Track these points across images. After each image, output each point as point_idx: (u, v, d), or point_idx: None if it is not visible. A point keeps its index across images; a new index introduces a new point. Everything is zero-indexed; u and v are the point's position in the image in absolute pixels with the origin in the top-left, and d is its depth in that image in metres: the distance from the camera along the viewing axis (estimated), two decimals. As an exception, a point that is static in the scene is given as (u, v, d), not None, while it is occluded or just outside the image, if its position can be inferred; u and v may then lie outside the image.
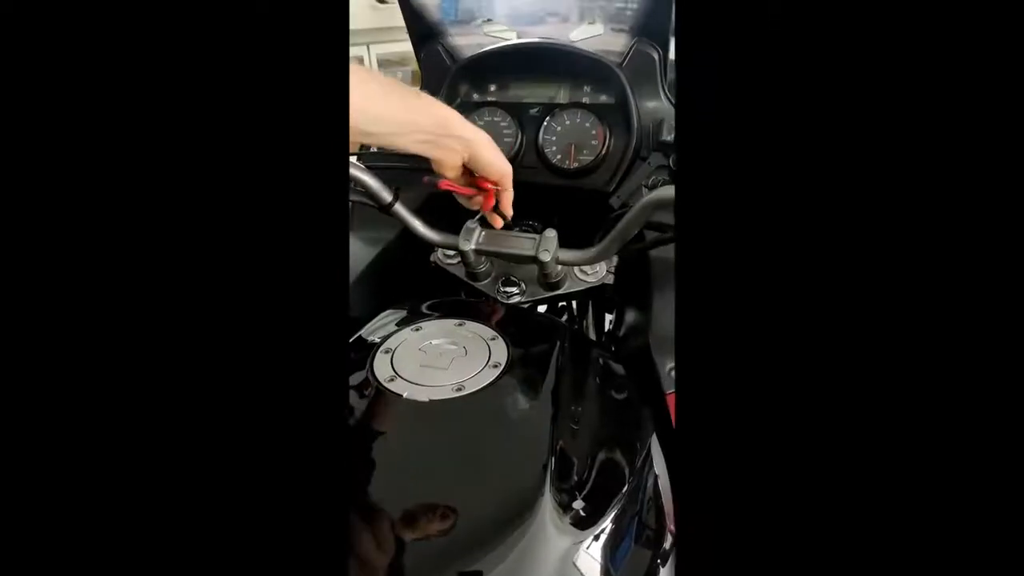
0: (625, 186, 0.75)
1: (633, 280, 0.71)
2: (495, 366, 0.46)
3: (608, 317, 0.91)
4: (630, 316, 0.75)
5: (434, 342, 0.49)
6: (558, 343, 0.53)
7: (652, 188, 0.66)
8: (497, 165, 0.55)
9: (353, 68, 0.43)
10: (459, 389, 0.43)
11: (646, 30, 0.75)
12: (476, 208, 0.62)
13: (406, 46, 0.89)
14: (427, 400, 0.42)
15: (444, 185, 0.57)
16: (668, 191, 0.53)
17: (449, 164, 0.54)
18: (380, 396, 0.43)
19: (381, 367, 0.46)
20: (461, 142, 0.52)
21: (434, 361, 0.46)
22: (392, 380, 0.44)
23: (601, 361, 0.58)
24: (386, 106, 0.46)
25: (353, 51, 2.77)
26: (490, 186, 0.57)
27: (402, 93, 0.48)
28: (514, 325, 0.55)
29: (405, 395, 0.43)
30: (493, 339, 0.50)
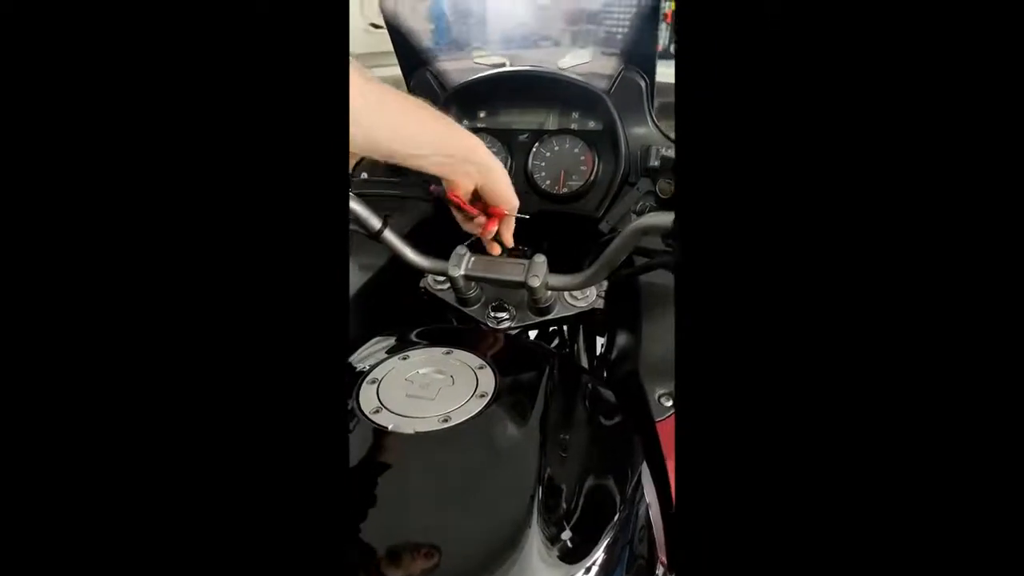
0: (614, 211, 0.75)
1: (624, 304, 0.71)
2: (482, 396, 0.46)
3: (600, 340, 0.91)
4: (621, 340, 0.74)
5: (421, 371, 0.49)
6: (546, 370, 0.53)
7: (640, 214, 0.67)
8: (507, 197, 0.58)
9: (388, 89, 0.47)
10: (445, 420, 0.43)
11: (633, 58, 0.77)
12: (473, 231, 0.63)
13: (400, 70, 0.90)
14: (413, 432, 0.42)
15: (452, 195, 0.58)
16: (655, 218, 0.53)
17: (462, 188, 0.56)
18: (365, 429, 0.42)
19: (367, 398, 0.45)
20: (479, 169, 0.55)
21: (421, 392, 0.46)
22: (378, 412, 0.44)
23: (591, 388, 0.58)
24: (419, 128, 0.49)
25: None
26: (497, 212, 0.59)
27: (433, 116, 0.51)
28: (502, 353, 0.55)
29: (391, 427, 0.42)
30: (481, 368, 0.50)
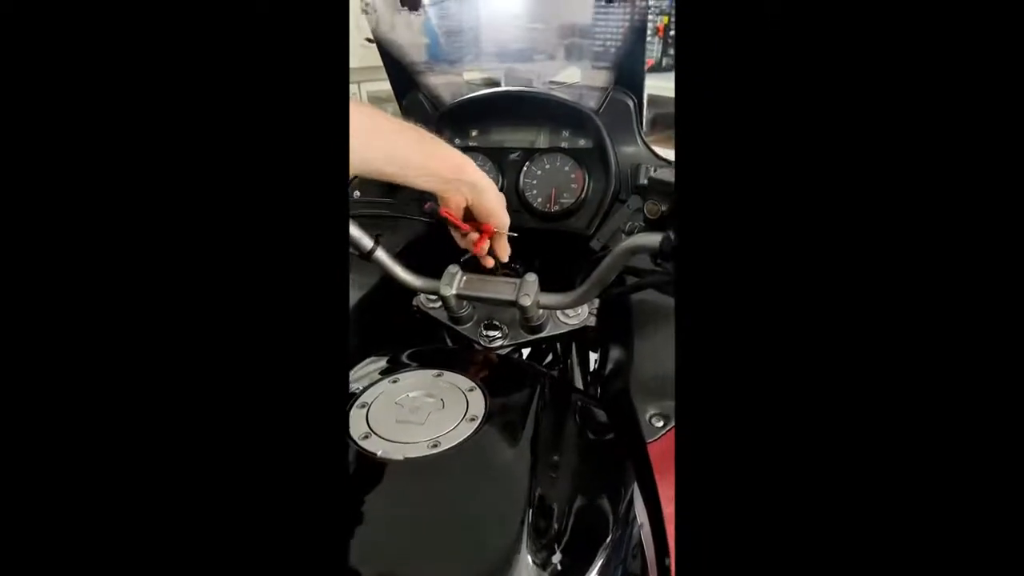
0: (605, 228, 0.75)
1: (615, 320, 0.71)
2: (472, 419, 0.46)
3: (593, 356, 0.91)
4: (613, 358, 0.75)
5: (411, 395, 0.49)
6: (537, 390, 0.53)
7: (629, 234, 0.67)
8: (497, 214, 0.60)
9: (377, 111, 0.50)
10: (435, 445, 0.43)
11: (621, 79, 0.78)
12: (468, 247, 0.64)
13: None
14: (402, 458, 0.42)
15: (444, 212, 0.60)
16: (643, 238, 0.54)
17: (454, 205, 0.58)
18: (354, 455, 0.43)
19: (356, 423, 0.45)
20: (469, 187, 0.57)
21: (410, 416, 0.46)
22: (367, 438, 0.44)
23: (582, 408, 0.58)
24: (408, 149, 0.52)
25: (344, 88, 2.80)
26: (488, 229, 0.61)
27: (421, 137, 0.54)
28: (493, 374, 0.55)
29: (379, 453, 0.42)
30: (471, 390, 0.50)
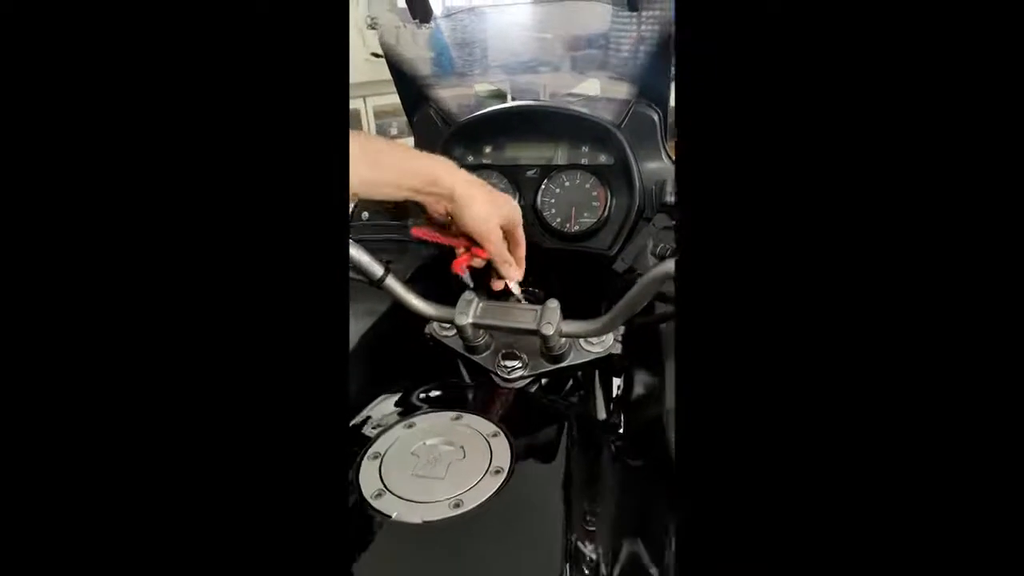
0: (629, 248, 0.71)
1: (643, 344, 0.67)
2: (497, 471, 0.41)
3: (616, 382, 0.87)
4: (640, 383, 0.70)
5: (428, 443, 0.44)
6: (565, 433, 0.48)
7: (660, 256, 0.62)
8: (482, 229, 0.56)
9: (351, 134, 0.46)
10: (457, 505, 0.38)
11: (645, 91, 0.73)
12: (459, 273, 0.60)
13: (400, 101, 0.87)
14: (420, 522, 0.37)
15: (416, 232, 0.57)
16: (671, 265, 0.49)
17: (437, 212, 0.56)
18: (366, 516, 0.38)
19: (368, 478, 0.41)
20: (447, 199, 0.54)
21: (428, 469, 0.41)
22: (380, 496, 0.39)
23: (613, 448, 0.53)
24: (378, 167, 0.49)
25: (351, 104, 2.81)
26: (460, 242, 0.58)
27: (390, 151, 0.51)
28: (516, 415, 0.51)
29: (395, 515, 0.38)
30: (494, 435, 0.45)
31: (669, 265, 0.50)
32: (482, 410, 0.49)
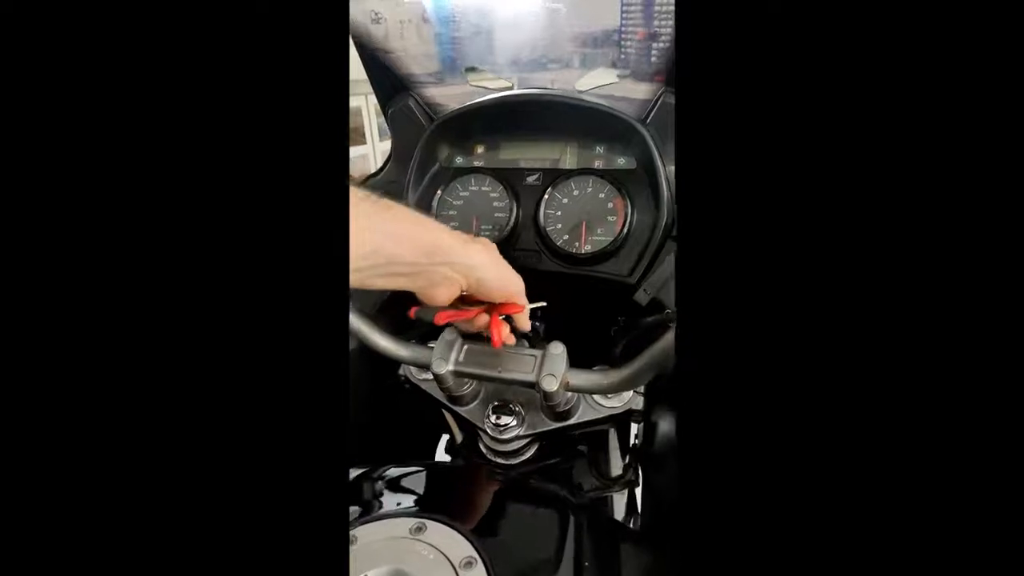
0: (654, 275, 0.57)
1: (669, 395, 0.53)
2: None
3: (634, 428, 0.73)
4: (664, 429, 0.57)
5: (370, 577, 0.30)
6: (570, 548, 0.34)
7: None
8: (507, 288, 0.44)
9: None
10: None
11: (673, 77, 0.59)
12: (480, 331, 0.48)
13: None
14: None
15: (443, 318, 0.45)
16: None
17: (442, 296, 0.42)
18: None
19: None
20: (457, 269, 0.40)
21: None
22: None
23: (638, 561, 0.39)
24: (358, 239, 0.33)
25: (352, 101, 2.69)
26: (494, 313, 0.46)
27: (376, 214, 0.35)
28: (501, 521, 0.37)
29: None
30: (467, 566, 0.31)
31: None
32: (458, 511, 0.35)
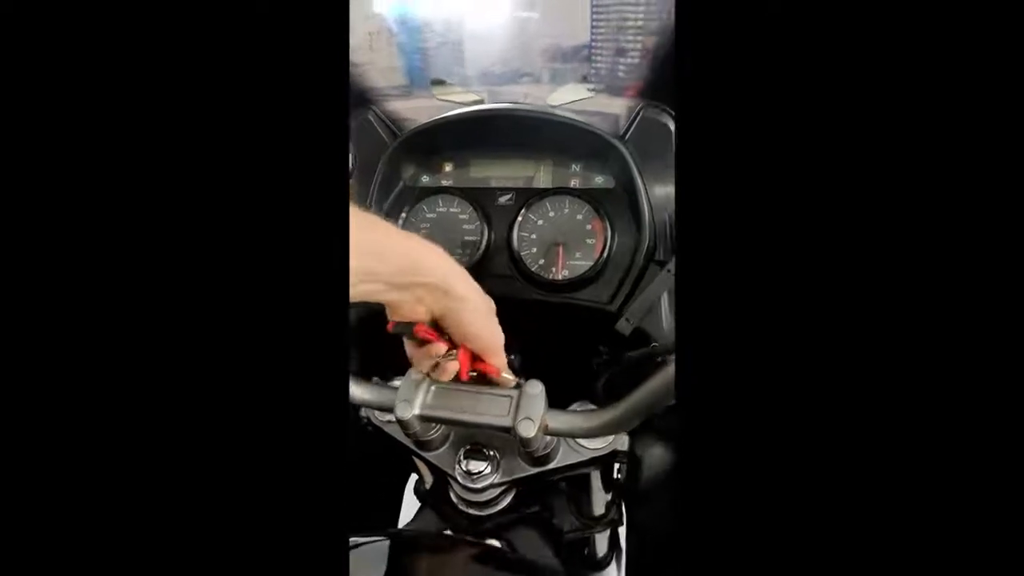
0: (637, 303, 0.53)
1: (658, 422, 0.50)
2: None
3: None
4: (650, 464, 0.54)
5: None
6: None
7: None
8: (482, 340, 0.41)
9: None
10: None
11: (656, 89, 0.56)
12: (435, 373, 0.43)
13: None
14: None
15: (422, 331, 0.40)
16: None
17: (407, 315, 0.39)
18: None
19: None
20: (434, 292, 0.37)
21: None
22: None
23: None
24: None
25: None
26: (482, 365, 0.43)
27: (356, 227, 0.32)
28: None
29: None
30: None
31: None
32: None
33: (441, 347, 0.41)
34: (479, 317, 0.39)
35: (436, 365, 0.42)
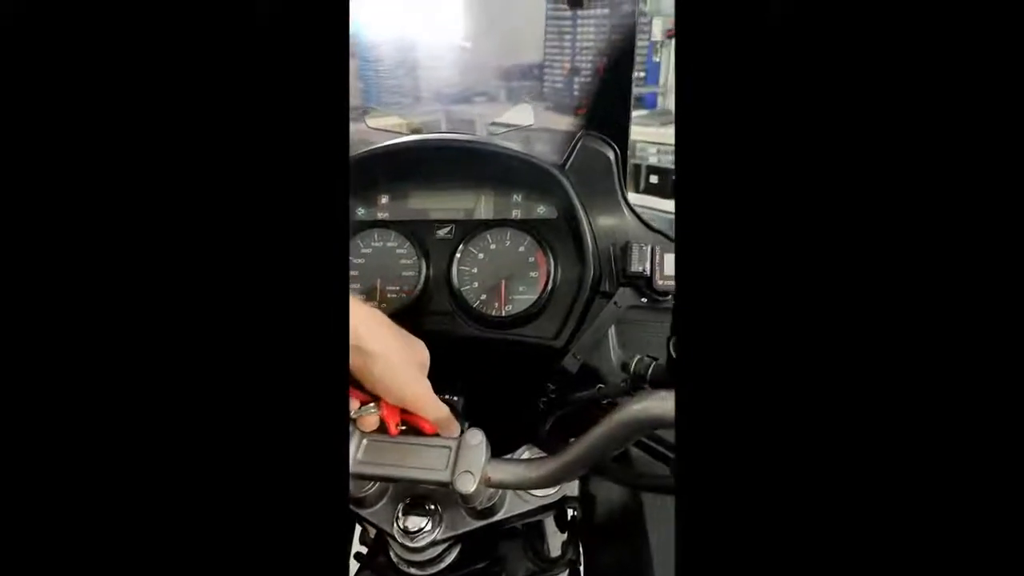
0: (584, 337, 0.51)
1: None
2: None
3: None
4: (606, 500, 0.52)
5: None
6: None
7: (638, 375, 0.41)
8: (403, 395, 0.39)
9: None
10: None
11: (596, 121, 0.54)
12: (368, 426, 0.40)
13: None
14: None
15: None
16: (663, 404, 0.30)
17: None
18: None
19: None
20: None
21: None
22: None
23: None
24: None
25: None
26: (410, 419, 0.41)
27: None
28: None
29: None
30: None
31: (654, 404, 0.31)
32: None
33: (354, 402, 0.38)
34: (392, 373, 0.37)
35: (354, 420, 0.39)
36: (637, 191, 2.16)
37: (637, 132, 1.99)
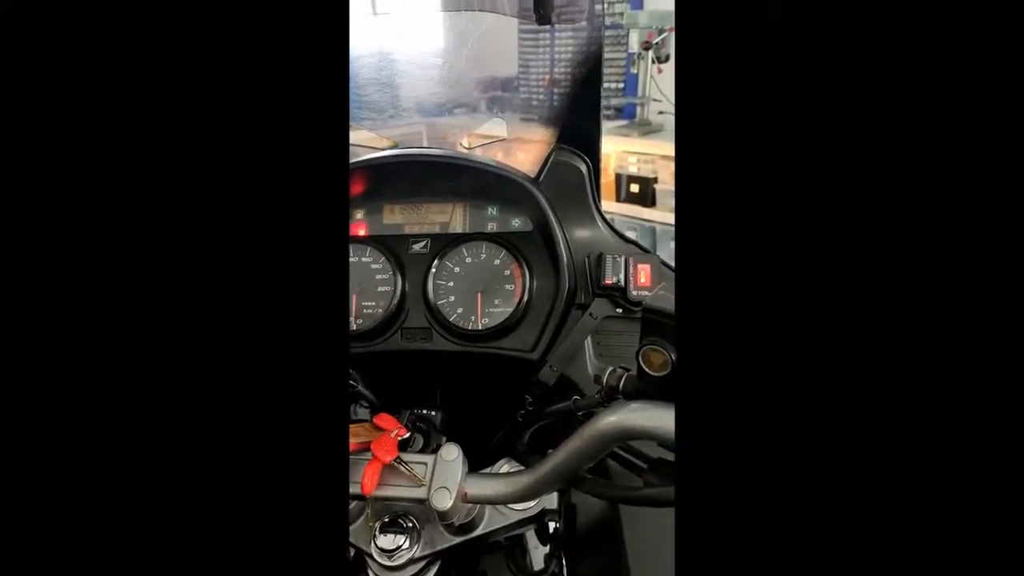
0: (560, 349, 0.51)
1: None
2: None
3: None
4: (587, 515, 0.52)
5: None
6: None
7: (612, 387, 0.41)
8: None
9: None
10: None
11: (569, 135, 0.55)
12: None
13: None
14: None
15: None
16: (641, 415, 0.32)
17: None
18: None
19: None
20: None
21: None
22: None
23: None
24: None
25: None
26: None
27: None
28: None
29: None
30: None
31: (627, 416, 0.31)
32: None
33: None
34: None
35: None
36: (618, 200, 2.18)
37: (617, 143, 2.01)
